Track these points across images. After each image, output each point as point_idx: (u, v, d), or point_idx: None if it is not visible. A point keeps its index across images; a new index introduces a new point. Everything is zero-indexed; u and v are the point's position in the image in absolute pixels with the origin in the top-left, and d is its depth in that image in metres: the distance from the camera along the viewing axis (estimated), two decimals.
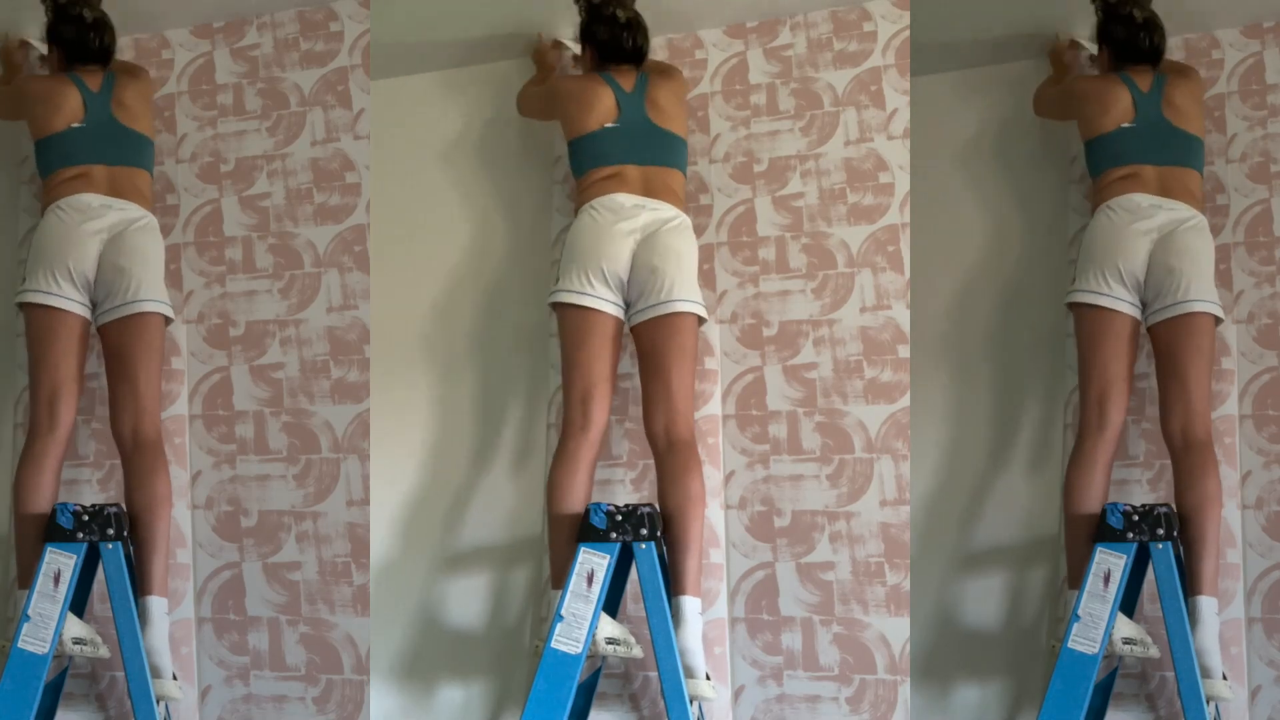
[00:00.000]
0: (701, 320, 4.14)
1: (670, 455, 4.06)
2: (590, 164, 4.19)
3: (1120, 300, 4.06)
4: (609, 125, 4.19)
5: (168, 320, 4.18)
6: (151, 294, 4.13)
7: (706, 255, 4.30)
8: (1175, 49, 4.31)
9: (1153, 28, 4.19)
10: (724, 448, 4.24)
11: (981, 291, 4.46)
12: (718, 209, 4.31)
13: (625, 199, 4.13)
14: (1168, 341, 4.04)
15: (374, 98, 4.35)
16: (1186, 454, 3.99)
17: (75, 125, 4.18)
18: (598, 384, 4.11)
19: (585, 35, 4.27)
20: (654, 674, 4.12)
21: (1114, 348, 4.07)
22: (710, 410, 4.25)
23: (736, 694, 4.19)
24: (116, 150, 4.19)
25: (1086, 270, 4.09)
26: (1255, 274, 4.18)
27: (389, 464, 4.45)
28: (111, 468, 4.29)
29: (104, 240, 4.11)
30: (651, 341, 4.10)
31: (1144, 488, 4.21)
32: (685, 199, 4.21)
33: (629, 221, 4.11)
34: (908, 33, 4.21)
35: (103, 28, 4.28)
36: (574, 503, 4.05)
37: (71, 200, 4.13)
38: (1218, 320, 4.04)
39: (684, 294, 4.09)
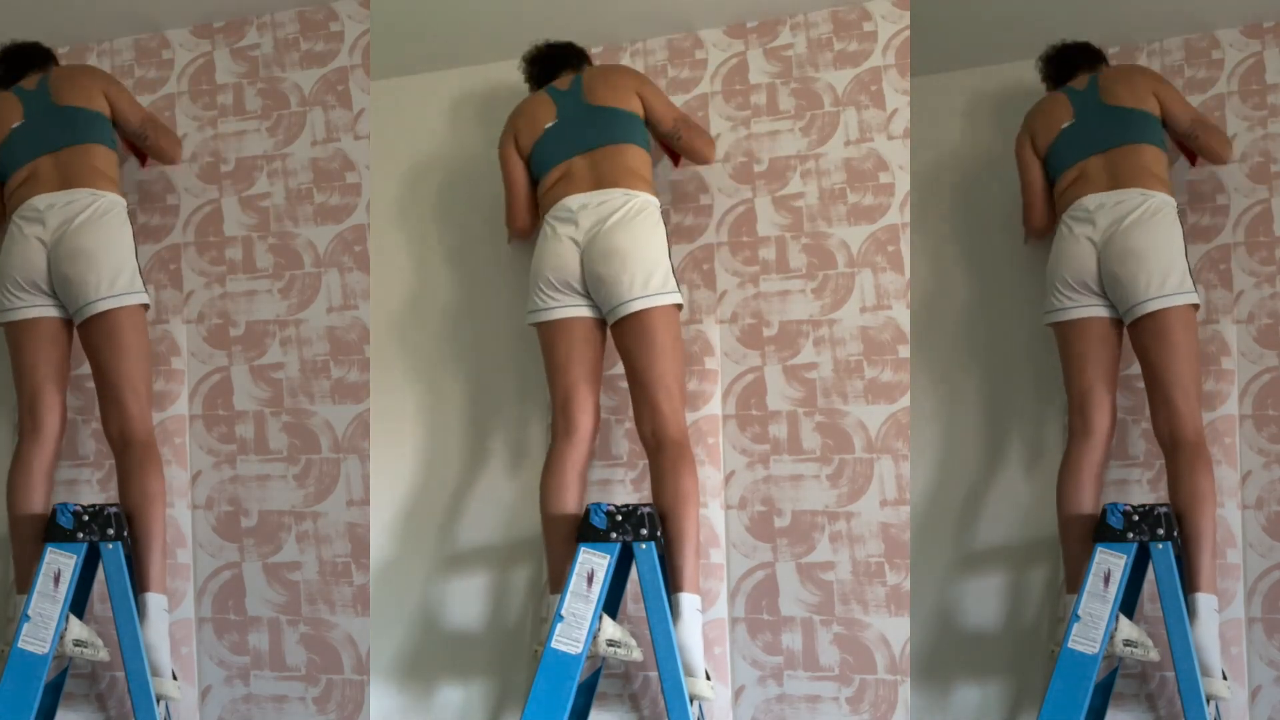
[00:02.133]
0: (679, 306, 4.10)
1: (659, 455, 4.05)
2: (543, 169, 4.20)
3: (1082, 307, 4.06)
4: (549, 125, 4.21)
5: (145, 306, 4.13)
6: (107, 290, 4.06)
7: (707, 255, 4.30)
8: (1175, 49, 4.31)
9: (1080, 46, 4.27)
10: (724, 448, 4.24)
11: (981, 291, 4.46)
12: (718, 209, 4.31)
13: (572, 201, 4.11)
14: (1139, 346, 4.05)
15: (374, 98, 4.35)
16: (1175, 454, 3.99)
17: (15, 125, 4.17)
18: (575, 388, 4.11)
19: (532, 80, 4.37)
20: (654, 674, 4.12)
21: (1086, 353, 4.07)
22: (710, 410, 4.25)
23: (737, 694, 4.19)
24: (59, 133, 4.15)
25: (1049, 289, 4.12)
26: (1255, 274, 4.18)
27: (389, 464, 4.45)
28: (111, 468, 4.29)
29: (49, 246, 4.06)
30: (623, 345, 4.10)
31: (1144, 488, 4.21)
32: (649, 173, 4.17)
33: (572, 228, 4.09)
34: (908, 33, 4.21)
35: (27, 53, 4.30)
36: (564, 505, 4.05)
37: (22, 208, 4.10)
38: (1196, 306, 4.02)
39: (636, 291, 4.05)
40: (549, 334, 4.14)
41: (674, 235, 4.31)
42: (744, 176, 4.30)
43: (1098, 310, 4.06)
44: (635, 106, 4.19)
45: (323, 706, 4.19)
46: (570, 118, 4.19)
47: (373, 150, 4.31)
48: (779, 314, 4.24)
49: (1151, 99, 4.12)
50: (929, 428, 4.35)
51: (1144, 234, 4.00)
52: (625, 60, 4.44)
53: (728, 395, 4.25)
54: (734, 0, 4.29)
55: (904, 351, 4.15)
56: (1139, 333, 4.03)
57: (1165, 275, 3.98)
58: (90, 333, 4.08)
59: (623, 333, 4.08)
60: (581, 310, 4.11)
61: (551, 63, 4.33)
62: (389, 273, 4.50)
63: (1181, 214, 4.13)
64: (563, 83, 4.27)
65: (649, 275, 4.05)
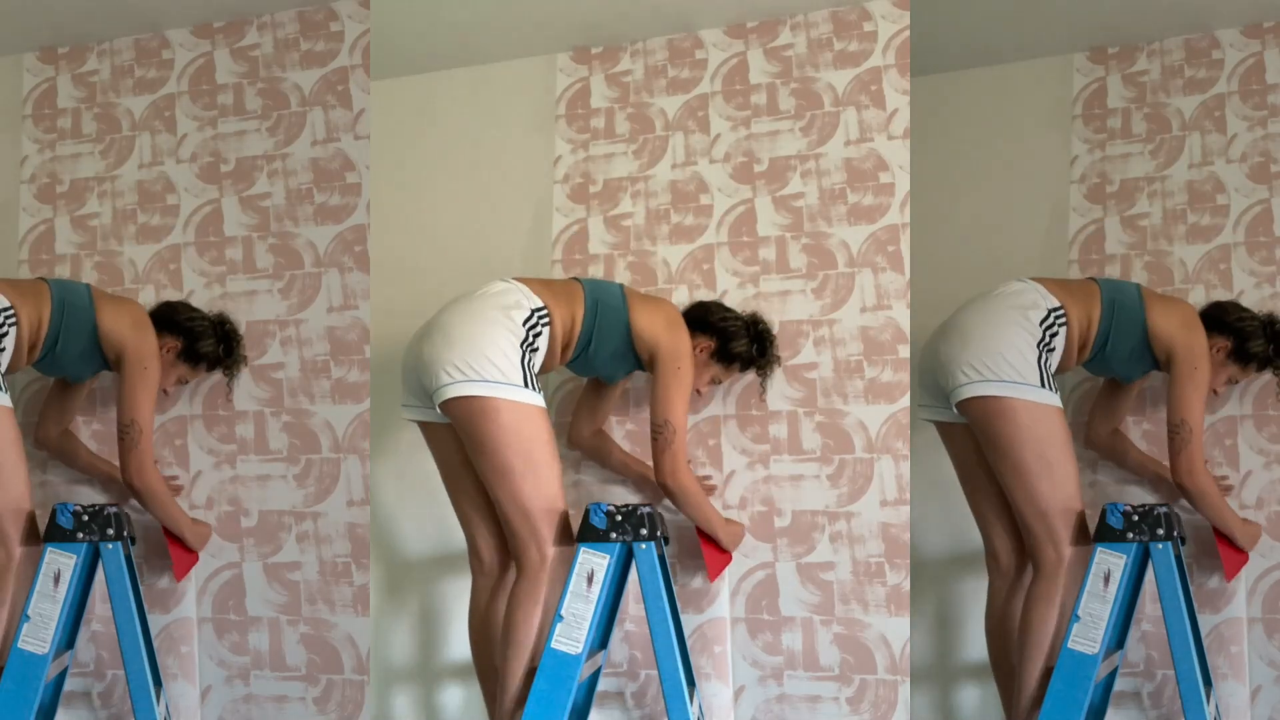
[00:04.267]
0: (529, 405, 3.84)
1: (523, 559, 3.91)
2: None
3: (930, 407, 4.04)
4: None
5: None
6: None
7: (707, 255, 4.30)
8: (1175, 49, 4.31)
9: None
10: (724, 448, 4.24)
11: (981, 291, 4.46)
12: (718, 209, 4.31)
13: None
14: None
15: (374, 98, 4.35)
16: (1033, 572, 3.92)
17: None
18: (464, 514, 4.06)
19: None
20: (654, 674, 4.13)
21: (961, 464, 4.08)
22: (711, 411, 4.25)
23: (737, 694, 4.19)
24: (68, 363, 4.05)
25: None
26: (1255, 274, 4.18)
27: (389, 464, 4.45)
28: (112, 468, 4.29)
29: None
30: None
31: (1144, 488, 4.21)
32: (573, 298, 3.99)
33: None
34: (908, 33, 4.21)
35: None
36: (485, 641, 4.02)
37: None
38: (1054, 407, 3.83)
39: (456, 377, 3.83)
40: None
41: (674, 235, 4.32)
42: (744, 176, 4.30)
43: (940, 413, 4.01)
44: (642, 339, 4.01)
45: (323, 706, 4.19)
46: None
47: (373, 150, 4.31)
48: (779, 314, 4.23)
49: (1164, 344, 3.91)
50: (929, 428, 4.35)
51: (976, 312, 3.91)
52: (625, 60, 4.43)
53: (728, 395, 4.25)
54: (734, 0, 4.28)
55: (904, 351, 4.15)
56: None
57: (988, 357, 3.83)
58: None
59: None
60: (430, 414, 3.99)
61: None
62: (389, 273, 4.50)
63: (1181, 214, 4.12)
64: None
65: (475, 360, 3.82)
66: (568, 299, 3.97)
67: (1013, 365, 3.80)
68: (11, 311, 3.93)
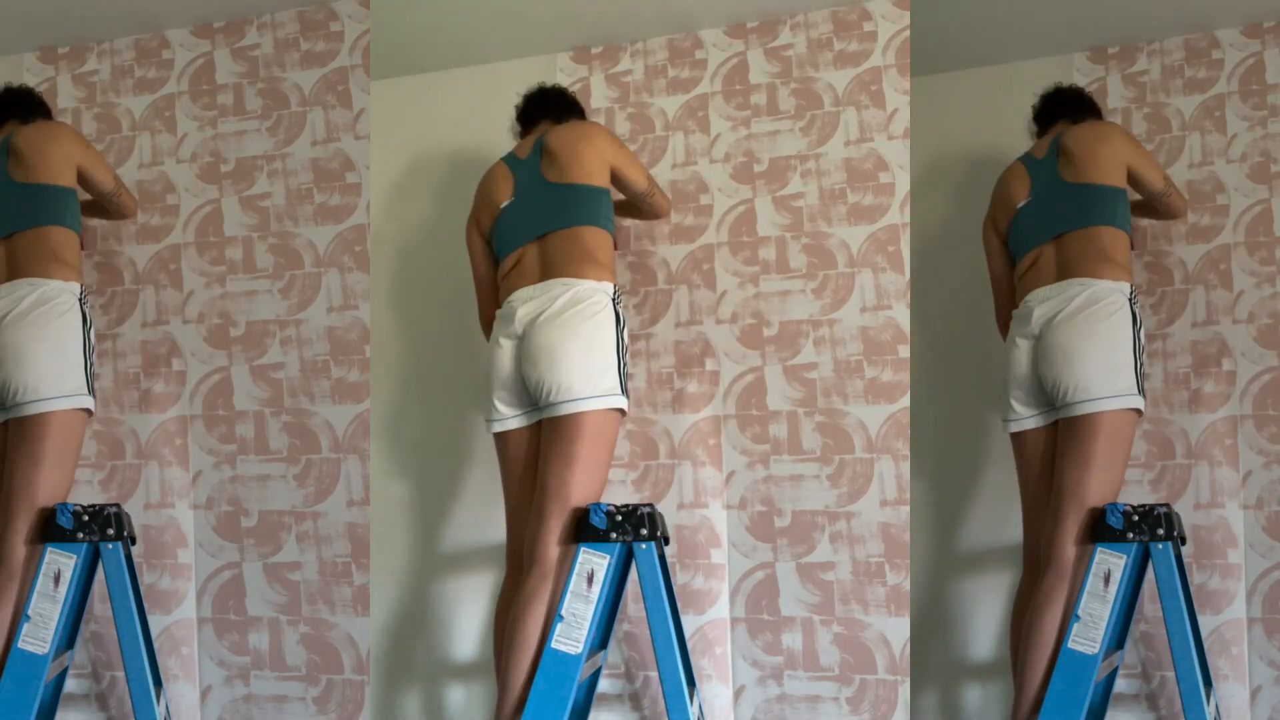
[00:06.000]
0: (621, 411, 3.87)
1: (524, 575, 3.87)
2: (501, 254, 4.01)
3: (1023, 419, 3.95)
4: (505, 204, 4.02)
5: (88, 411, 3.92)
6: (33, 394, 3.81)
7: (707, 255, 4.30)
8: (1175, 49, 4.31)
9: (1065, 94, 4.10)
10: (724, 448, 4.24)
11: (981, 291, 4.46)
12: (718, 209, 4.31)
13: (516, 298, 3.92)
14: (1057, 451, 3.89)
15: (374, 98, 4.35)
16: (1043, 569, 3.86)
17: None
18: (515, 515, 3.99)
19: (517, 135, 4.17)
20: (654, 674, 4.13)
21: (1026, 471, 3.98)
22: (711, 410, 4.25)
23: (737, 694, 4.19)
24: (9, 216, 3.90)
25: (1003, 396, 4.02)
26: (1255, 274, 4.18)
27: (389, 464, 4.45)
28: (112, 469, 4.29)
29: None
30: (542, 449, 3.89)
31: (1144, 488, 4.21)
32: (607, 255, 3.94)
33: (509, 326, 3.90)
34: (908, 33, 4.21)
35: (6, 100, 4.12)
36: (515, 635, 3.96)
37: None
38: (1138, 412, 3.83)
39: (563, 395, 3.81)
40: (498, 446, 4.00)
41: (674, 235, 4.31)
42: (744, 176, 4.30)
43: (1036, 421, 3.94)
44: (600, 178, 3.94)
45: (323, 706, 4.19)
46: (526, 195, 3.97)
47: (373, 150, 4.31)
48: (779, 314, 4.24)
49: (1116, 169, 3.91)
50: (929, 428, 4.35)
51: (1077, 325, 3.83)
52: (625, 60, 4.44)
53: (728, 395, 4.25)
54: (734, 0, 4.29)
55: (904, 351, 4.15)
56: (1061, 437, 3.87)
57: (1085, 377, 3.81)
58: (7, 432, 3.89)
59: (545, 432, 3.88)
60: (521, 420, 3.95)
61: (530, 113, 4.12)
62: (389, 273, 4.50)
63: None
64: (524, 148, 4.04)
65: (570, 378, 3.81)
66: (604, 249, 3.93)
67: (1120, 377, 3.79)
68: (83, 291, 3.92)
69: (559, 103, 4.12)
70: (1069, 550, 3.83)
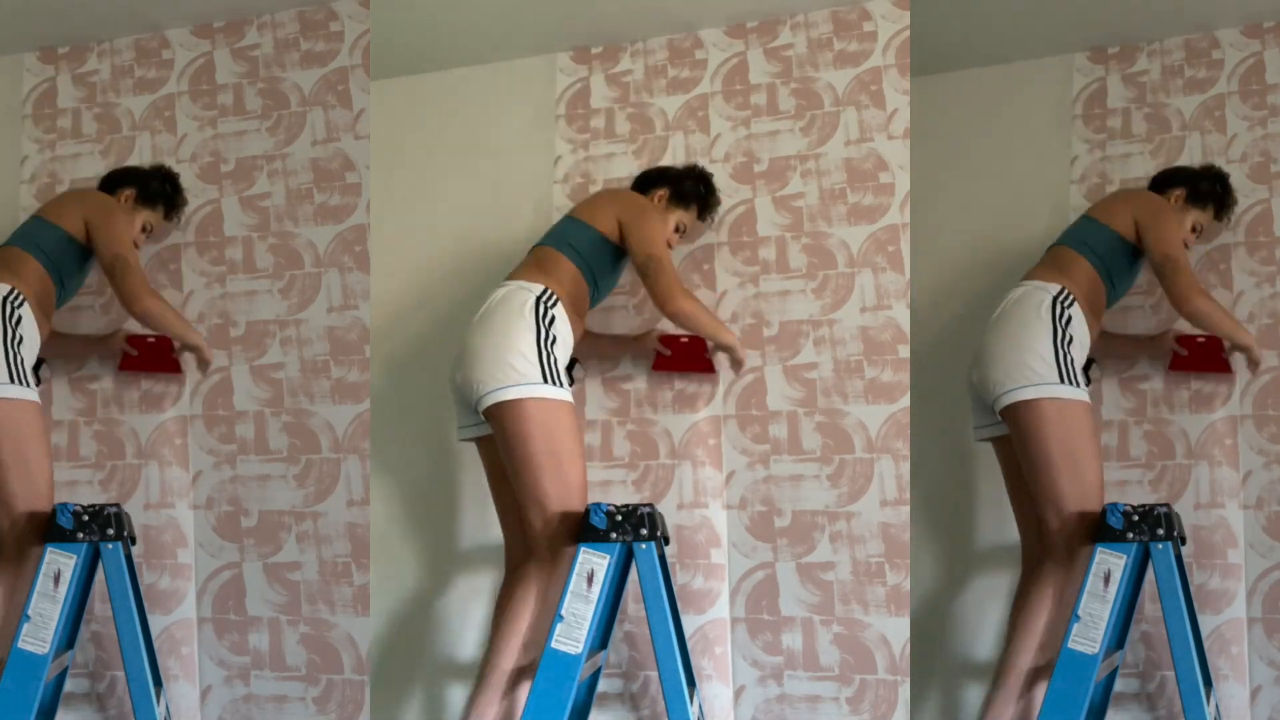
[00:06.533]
0: (561, 401, 3.90)
1: (533, 552, 3.97)
2: None
3: (981, 428, 4.06)
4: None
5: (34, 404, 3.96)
6: None
7: (707, 255, 4.30)
8: (1175, 49, 4.31)
9: (1201, 175, 4.16)
10: (724, 448, 4.24)
11: (981, 291, 4.46)
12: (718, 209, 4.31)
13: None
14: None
15: (374, 98, 4.35)
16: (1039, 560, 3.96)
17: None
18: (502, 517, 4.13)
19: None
20: (654, 674, 4.12)
21: (1011, 475, 4.10)
22: (711, 410, 4.25)
23: (737, 694, 4.19)
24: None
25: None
26: (1255, 274, 4.18)
27: (389, 464, 4.45)
28: (112, 468, 4.29)
29: None
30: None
31: (1144, 488, 4.21)
32: (560, 275, 4.02)
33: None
34: (908, 33, 4.21)
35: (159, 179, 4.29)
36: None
37: None
38: (1083, 402, 3.87)
39: (478, 390, 3.92)
40: (479, 453, 4.15)
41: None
42: (744, 176, 4.30)
43: (994, 430, 4.03)
44: (603, 223, 4.10)
45: (323, 706, 4.19)
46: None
47: (373, 150, 4.31)
48: (779, 314, 4.24)
49: (1124, 218, 4.03)
50: (929, 428, 4.35)
51: (989, 333, 3.98)
52: (625, 60, 4.43)
53: (728, 395, 4.25)
54: (734, 0, 4.29)
55: (904, 351, 4.15)
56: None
57: (1001, 369, 3.91)
58: None
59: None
60: (484, 428, 4.02)
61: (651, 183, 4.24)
62: (389, 273, 4.50)
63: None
64: None
65: (488, 370, 3.91)
66: (553, 265, 4.04)
67: (1033, 367, 3.86)
68: (13, 291, 3.96)
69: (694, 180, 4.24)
70: (1052, 542, 3.90)
